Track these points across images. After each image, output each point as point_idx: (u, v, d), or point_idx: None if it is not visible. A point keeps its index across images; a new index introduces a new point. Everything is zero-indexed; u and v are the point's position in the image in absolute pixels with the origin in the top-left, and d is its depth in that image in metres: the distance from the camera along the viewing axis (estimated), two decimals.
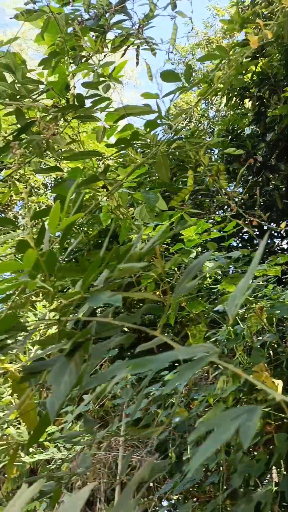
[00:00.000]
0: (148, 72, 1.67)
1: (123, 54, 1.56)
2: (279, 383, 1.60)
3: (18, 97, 1.70)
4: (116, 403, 3.92)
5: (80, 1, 1.45)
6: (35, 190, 9.71)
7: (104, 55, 1.49)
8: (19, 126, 1.92)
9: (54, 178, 10.70)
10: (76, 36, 1.43)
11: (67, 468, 4.13)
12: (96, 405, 4.24)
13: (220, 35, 12.77)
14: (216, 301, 2.59)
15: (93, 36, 1.52)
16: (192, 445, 2.94)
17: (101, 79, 1.76)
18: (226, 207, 6.10)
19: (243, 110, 7.02)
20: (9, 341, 0.82)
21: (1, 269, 0.62)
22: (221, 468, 2.46)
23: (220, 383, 2.40)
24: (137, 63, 1.55)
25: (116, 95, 1.88)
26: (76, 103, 1.50)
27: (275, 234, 5.63)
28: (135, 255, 0.78)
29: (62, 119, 1.69)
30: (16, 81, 1.74)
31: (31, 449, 2.99)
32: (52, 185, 10.87)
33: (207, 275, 2.57)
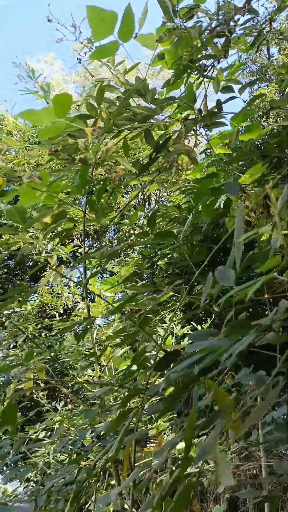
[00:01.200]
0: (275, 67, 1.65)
1: (256, 51, 1.57)
2: None
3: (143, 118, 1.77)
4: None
5: (199, 10, 1.49)
6: (127, 212, 9.99)
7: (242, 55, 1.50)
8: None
9: (141, 198, 10.95)
10: (204, 45, 1.47)
11: (210, 481, 4.08)
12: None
13: (286, 25, 12.33)
14: None
15: (216, 42, 1.55)
16: None
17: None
18: None
19: None
20: None
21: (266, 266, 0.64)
22: None
23: None
24: (269, 58, 1.53)
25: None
26: (211, 111, 1.52)
27: None
28: None
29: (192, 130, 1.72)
30: (139, 104, 1.82)
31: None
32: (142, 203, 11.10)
33: None
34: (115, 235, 9.99)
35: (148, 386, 1.58)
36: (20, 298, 1.09)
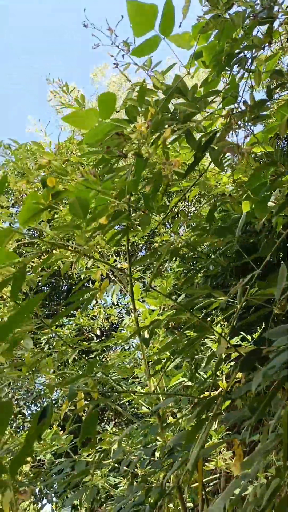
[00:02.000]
0: None
1: None
2: None
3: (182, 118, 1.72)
4: None
5: (242, 3, 1.43)
6: (157, 230, 9.91)
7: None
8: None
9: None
10: (247, 35, 1.41)
11: None
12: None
13: None
14: None
15: (257, 31, 1.49)
16: None
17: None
18: None
19: None
20: None
21: None
22: None
23: None
24: None
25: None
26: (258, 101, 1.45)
27: None
28: None
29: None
30: (176, 104, 1.77)
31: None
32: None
33: None
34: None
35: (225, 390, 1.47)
36: (83, 303, 1.02)
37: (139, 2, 1.25)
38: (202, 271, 6.19)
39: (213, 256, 5.53)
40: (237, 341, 2.87)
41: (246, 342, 2.91)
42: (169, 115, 1.73)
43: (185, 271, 6.92)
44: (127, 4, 1.25)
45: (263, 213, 1.52)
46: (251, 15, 1.34)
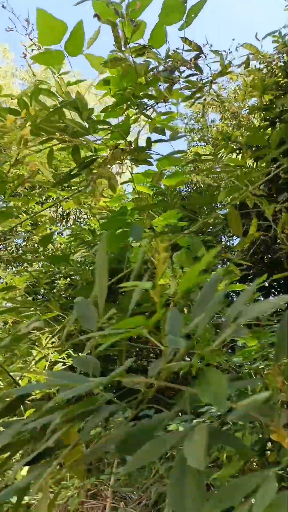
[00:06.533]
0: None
1: (192, 104, 1.65)
2: None
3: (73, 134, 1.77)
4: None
5: (150, 52, 1.54)
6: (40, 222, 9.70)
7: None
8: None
9: (60, 214, 10.76)
10: (148, 84, 1.51)
11: None
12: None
13: (232, 97, 13.25)
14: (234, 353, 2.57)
15: (160, 85, 1.61)
16: None
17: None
18: None
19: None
20: None
21: None
22: None
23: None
24: (203, 116, 1.62)
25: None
26: (141, 145, 1.56)
27: None
28: None
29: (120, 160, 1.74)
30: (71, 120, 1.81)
31: None
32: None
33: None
34: (23, 243, 9.60)
35: None
36: None
37: (50, 15, 1.27)
38: (69, 278, 6.11)
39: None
40: (64, 357, 2.89)
41: None
42: (64, 124, 1.76)
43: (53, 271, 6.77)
44: (37, 13, 1.26)
45: (111, 249, 1.62)
46: (154, 70, 1.45)
